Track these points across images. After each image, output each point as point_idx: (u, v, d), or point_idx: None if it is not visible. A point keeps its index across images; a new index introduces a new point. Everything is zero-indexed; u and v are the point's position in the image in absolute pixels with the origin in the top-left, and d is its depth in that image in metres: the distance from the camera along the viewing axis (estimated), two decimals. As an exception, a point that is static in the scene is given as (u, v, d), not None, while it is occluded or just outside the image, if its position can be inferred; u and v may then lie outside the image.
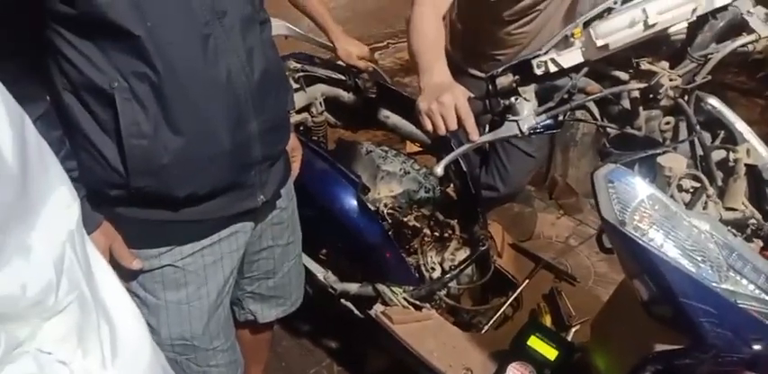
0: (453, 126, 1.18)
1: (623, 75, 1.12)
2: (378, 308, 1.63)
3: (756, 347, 0.97)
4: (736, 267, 0.97)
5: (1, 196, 0.61)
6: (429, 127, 1.20)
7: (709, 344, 0.99)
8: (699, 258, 0.97)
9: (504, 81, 1.12)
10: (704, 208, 1.04)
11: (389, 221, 1.69)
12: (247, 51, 1.05)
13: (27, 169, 0.67)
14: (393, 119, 1.82)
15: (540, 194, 2.82)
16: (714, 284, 0.96)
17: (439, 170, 1.14)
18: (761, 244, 1.07)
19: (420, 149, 2.04)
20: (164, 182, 1.03)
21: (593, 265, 2.43)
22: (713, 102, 1.13)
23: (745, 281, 0.97)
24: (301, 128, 1.91)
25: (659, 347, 1.07)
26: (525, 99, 1.10)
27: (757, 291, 0.97)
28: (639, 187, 0.99)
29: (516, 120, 1.09)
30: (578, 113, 1.23)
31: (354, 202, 1.56)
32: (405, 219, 1.69)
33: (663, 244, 0.97)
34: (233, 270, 1.26)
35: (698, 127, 1.06)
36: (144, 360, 0.80)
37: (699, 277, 0.96)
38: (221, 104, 1.03)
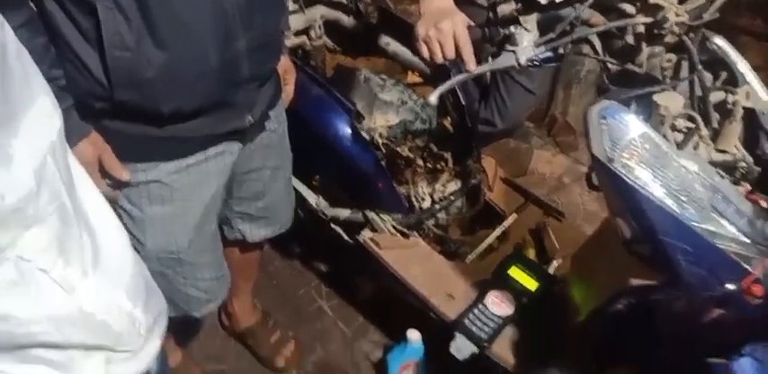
0: (450, 54, 1.15)
1: (629, 8, 1.08)
2: (366, 234, 1.65)
3: (729, 286, 0.99)
4: (719, 208, 0.97)
5: (-20, 101, 0.60)
6: (426, 53, 1.18)
7: (685, 282, 1.01)
8: (684, 198, 0.97)
9: (506, 9, 1.09)
10: (695, 148, 1.03)
11: (383, 151, 1.69)
12: None
13: (6, 75, 0.65)
14: (393, 46, 1.77)
15: (538, 131, 2.80)
16: (695, 224, 0.97)
17: (433, 98, 1.13)
18: (748, 187, 1.07)
19: (420, 80, 2.00)
20: (148, 97, 1.01)
21: (583, 203, 2.44)
22: (719, 41, 1.09)
23: (726, 223, 0.97)
24: (299, 51, 1.87)
25: (635, 282, 1.09)
26: (526, 29, 1.07)
27: (737, 233, 0.98)
28: (633, 125, 0.98)
29: (514, 51, 1.07)
30: (580, 48, 1.20)
31: (348, 130, 1.54)
32: (398, 149, 1.68)
33: (649, 182, 0.97)
34: (219, 188, 1.26)
35: (700, 66, 1.03)
36: (126, 271, 0.81)
37: (681, 216, 0.97)
38: (207, 19, 0.99)
